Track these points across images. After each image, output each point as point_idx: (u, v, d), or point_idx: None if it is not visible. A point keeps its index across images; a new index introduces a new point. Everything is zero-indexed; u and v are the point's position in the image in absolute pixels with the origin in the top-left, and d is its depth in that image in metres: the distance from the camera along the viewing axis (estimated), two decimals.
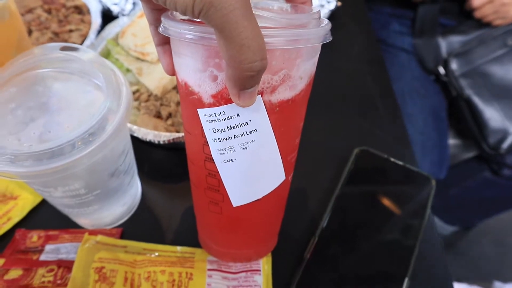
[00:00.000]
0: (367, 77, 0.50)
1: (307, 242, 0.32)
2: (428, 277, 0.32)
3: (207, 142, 0.19)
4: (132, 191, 0.33)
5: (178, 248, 0.31)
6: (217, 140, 0.19)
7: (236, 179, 0.21)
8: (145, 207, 0.35)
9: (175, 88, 0.41)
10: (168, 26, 0.17)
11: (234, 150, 0.19)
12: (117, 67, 0.27)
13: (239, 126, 0.18)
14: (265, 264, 0.30)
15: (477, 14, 0.63)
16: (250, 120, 0.18)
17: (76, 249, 0.30)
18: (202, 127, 0.19)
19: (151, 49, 0.43)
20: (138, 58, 0.43)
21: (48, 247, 0.31)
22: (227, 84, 0.16)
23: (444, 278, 0.32)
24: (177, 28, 0.16)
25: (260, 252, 0.30)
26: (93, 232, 0.31)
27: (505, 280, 0.81)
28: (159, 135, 0.34)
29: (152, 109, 0.39)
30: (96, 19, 0.49)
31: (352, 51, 0.54)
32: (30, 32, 0.47)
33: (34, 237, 0.32)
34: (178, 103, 0.39)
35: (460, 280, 0.80)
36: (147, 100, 0.40)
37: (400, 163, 0.38)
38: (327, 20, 0.18)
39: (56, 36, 0.47)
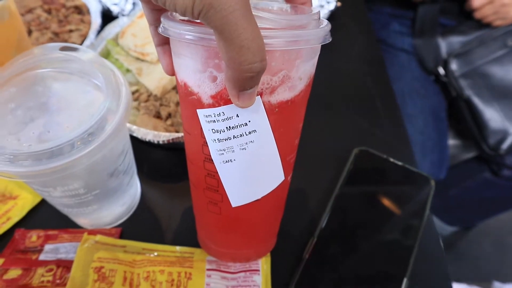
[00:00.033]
0: (367, 78, 0.50)
1: (306, 242, 0.32)
2: (427, 277, 0.32)
3: (206, 143, 0.19)
4: (131, 191, 0.33)
5: (177, 248, 0.31)
6: (216, 141, 0.19)
7: (235, 179, 0.21)
8: (145, 207, 0.35)
9: (174, 88, 0.41)
10: (168, 26, 0.17)
11: (233, 151, 0.19)
12: (117, 67, 0.27)
13: (238, 126, 0.18)
14: (264, 264, 0.30)
15: (477, 14, 0.63)
16: (249, 121, 0.18)
17: (75, 249, 0.30)
18: (201, 128, 0.19)
19: (151, 50, 0.43)
20: (138, 58, 0.43)
21: (47, 246, 0.31)
22: (226, 85, 0.16)
23: (443, 278, 0.32)
24: (176, 29, 0.16)
25: (259, 252, 0.30)
26: (92, 232, 0.31)
27: (505, 280, 0.81)
28: (159, 135, 0.34)
29: (151, 109, 0.39)
30: (96, 19, 0.49)
31: (352, 51, 0.54)
32: (30, 32, 0.47)
33: (33, 236, 0.32)
34: (177, 103, 0.39)
35: (460, 280, 0.80)
36: (146, 100, 0.40)
37: (400, 163, 0.38)
38: (327, 21, 0.18)
39: (56, 36, 0.47)
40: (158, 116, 0.39)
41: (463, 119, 0.65)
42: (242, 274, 0.30)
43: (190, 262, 0.30)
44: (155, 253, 0.31)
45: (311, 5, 0.20)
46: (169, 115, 0.39)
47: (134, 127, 0.35)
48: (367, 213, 0.35)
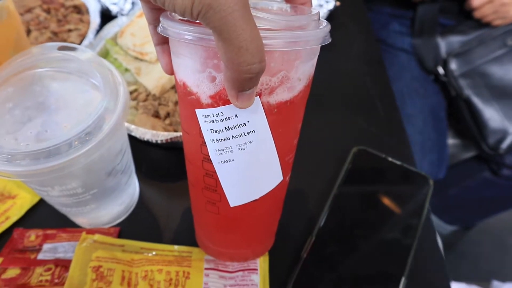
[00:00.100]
0: (366, 78, 0.50)
1: (304, 242, 0.32)
2: (426, 277, 0.32)
3: (205, 143, 0.19)
4: (129, 191, 0.33)
5: (176, 247, 0.31)
6: (215, 141, 0.19)
7: (234, 179, 0.21)
8: (143, 206, 0.35)
9: (173, 87, 0.41)
10: (167, 26, 0.17)
11: (231, 151, 0.19)
12: (116, 67, 0.27)
13: (237, 127, 0.18)
14: (262, 263, 0.30)
15: (477, 14, 0.63)
16: (248, 121, 0.18)
17: (74, 248, 0.30)
18: (200, 128, 0.19)
19: (150, 49, 0.43)
20: (136, 58, 0.43)
21: (45, 246, 0.31)
22: (225, 86, 0.16)
23: (441, 278, 0.32)
24: (176, 29, 0.16)
25: (257, 252, 0.30)
26: (90, 231, 0.31)
27: (504, 279, 0.81)
28: (157, 135, 0.34)
29: (150, 108, 0.39)
30: (95, 19, 0.49)
31: (351, 51, 0.54)
32: (29, 31, 0.47)
33: (32, 236, 0.32)
34: (176, 103, 0.39)
35: (459, 279, 0.80)
36: (145, 100, 0.40)
37: (398, 162, 0.38)
38: (326, 21, 0.18)
39: (55, 36, 0.47)
40: (156, 115, 0.39)
41: (463, 119, 0.65)
42: (240, 273, 0.30)
43: (188, 261, 0.30)
44: (153, 253, 0.31)
45: (311, 5, 0.20)
46: (167, 115, 0.39)
47: (133, 126, 0.35)
48: (365, 213, 0.35)
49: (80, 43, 0.46)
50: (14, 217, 0.33)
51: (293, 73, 0.18)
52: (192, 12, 0.13)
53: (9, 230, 0.33)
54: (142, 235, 0.32)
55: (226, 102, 0.17)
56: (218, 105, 0.18)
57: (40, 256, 0.31)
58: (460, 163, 0.72)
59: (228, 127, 0.18)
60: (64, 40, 0.46)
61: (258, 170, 0.21)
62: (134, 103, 0.40)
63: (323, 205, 0.35)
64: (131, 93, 0.41)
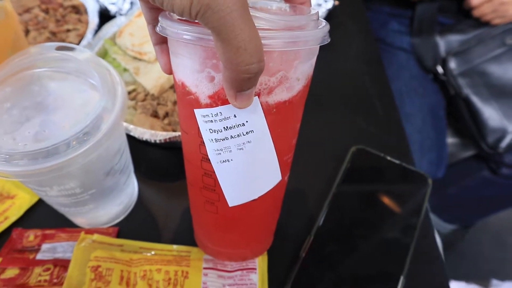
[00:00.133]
0: (365, 77, 0.50)
1: (303, 241, 0.32)
2: (424, 276, 0.32)
3: (204, 142, 0.19)
4: (128, 190, 0.33)
5: (174, 246, 0.31)
6: (214, 141, 0.19)
7: (232, 179, 0.21)
8: (142, 206, 0.35)
9: (172, 87, 0.41)
10: (166, 26, 0.17)
11: (230, 151, 0.19)
12: (114, 67, 0.27)
13: (235, 127, 0.18)
14: (261, 263, 0.30)
15: (476, 13, 0.63)
16: (246, 121, 0.18)
17: (73, 248, 0.30)
18: (198, 127, 0.19)
19: (149, 49, 0.43)
20: (135, 58, 0.43)
21: (44, 246, 0.31)
22: (224, 86, 0.16)
23: (440, 277, 0.32)
24: (174, 29, 0.16)
25: (256, 251, 0.30)
26: (89, 231, 0.31)
27: (504, 278, 0.81)
28: (156, 134, 0.34)
29: (149, 108, 0.39)
30: (93, 19, 0.49)
31: (350, 50, 0.54)
32: (27, 31, 0.47)
33: (30, 236, 0.32)
34: (175, 102, 0.39)
35: (459, 278, 0.80)
36: (144, 100, 0.40)
37: (397, 161, 0.38)
38: (325, 21, 0.18)
39: (54, 36, 0.47)
40: (155, 115, 0.39)
41: (462, 118, 0.65)
42: (239, 272, 0.30)
43: (187, 261, 0.30)
44: (152, 252, 0.31)
45: (310, 5, 0.20)
46: (166, 114, 0.39)
47: (131, 126, 0.35)
48: (364, 212, 0.35)
49: (78, 43, 0.46)
50: (13, 217, 0.33)
51: (292, 73, 0.18)
52: (191, 12, 0.13)
53: (8, 230, 0.33)
54: (141, 235, 0.32)
55: (225, 102, 0.17)
56: (216, 105, 0.18)
57: (39, 256, 0.31)
58: (459, 162, 0.72)
59: (226, 127, 0.18)
60: (63, 40, 0.46)
61: (257, 170, 0.21)
62: (132, 103, 0.40)
63: (322, 205, 0.35)
64: (129, 93, 0.41)
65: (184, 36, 0.16)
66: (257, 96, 0.17)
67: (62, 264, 0.29)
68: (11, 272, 0.29)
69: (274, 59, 0.17)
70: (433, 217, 0.90)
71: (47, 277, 0.29)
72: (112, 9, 0.51)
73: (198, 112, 0.18)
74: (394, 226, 0.34)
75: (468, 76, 0.62)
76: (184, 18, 0.17)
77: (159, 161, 0.39)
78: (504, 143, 0.61)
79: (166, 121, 0.38)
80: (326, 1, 0.53)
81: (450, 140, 0.70)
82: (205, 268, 0.30)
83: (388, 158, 0.38)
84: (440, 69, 0.65)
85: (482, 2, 0.61)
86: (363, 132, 0.43)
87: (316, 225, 0.33)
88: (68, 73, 0.27)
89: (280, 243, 0.32)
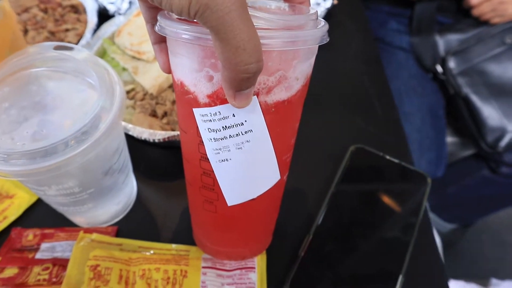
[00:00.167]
0: (364, 76, 0.50)
1: (301, 240, 0.32)
2: (423, 275, 0.32)
3: (203, 142, 0.19)
4: (127, 190, 0.33)
5: (173, 246, 0.32)
6: (212, 140, 0.19)
7: (231, 178, 0.21)
8: (141, 205, 0.35)
9: (170, 86, 0.41)
10: (165, 25, 0.17)
11: (229, 150, 0.19)
12: (113, 66, 0.27)
13: (234, 126, 0.18)
14: (259, 262, 0.31)
15: (475, 12, 0.63)
16: (245, 121, 0.18)
17: (72, 247, 0.30)
18: (197, 127, 0.19)
19: (147, 48, 0.43)
20: (134, 57, 0.43)
21: (43, 245, 0.31)
22: (223, 85, 0.16)
23: (438, 276, 0.32)
24: (173, 28, 0.16)
25: (255, 251, 0.30)
26: (88, 230, 0.31)
27: (504, 277, 0.81)
28: (154, 134, 0.34)
29: (147, 107, 0.39)
30: (92, 18, 0.49)
31: (349, 50, 0.54)
32: (26, 31, 0.47)
33: (29, 235, 0.32)
34: (173, 102, 0.39)
35: (458, 277, 0.80)
36: (142, 99, 0.40)
37: (396, 161, 0.38)
38: (324, 21, 0.18)
39: (52, 35, 0.47)
40: (154, 114, 0.39)
41: (461, 117, 0.65)
42: (238, 271, 0.30)
43: (185, 260, 0.30)
44: (151, 251, 0.31)
45: (309, 4, 0.20)
46: (165, 114, 0.39)
47: (130, 125, 0.35)
48: (363, 211, 0.35)
49: (77, 43, 0.46)
50: (12, 217, 0.33)
51: (291, 73, 0.18)
52: (189, 12, 0.13)
53: (7, 230, 0.33)
54: (140, 234, 0.32)
55: (224, 101, 0.17)
56: (215, 104, 0.18)
57: (38, 255, 0.31)
58: (458, 161, 0.72)
59: (225, 126, 0.18)
60: (62, 40, 0.46)
61: (255, 169, 0.21)
62: (131, 102, 0.40)
63: (321, 204, 0.35)
64: (128, 92, 0.41)
65: (183, 36, 0.16)
66: (256, 96, 0.17)
67: (61, 263, 0.29)
68: (10, 271, 0.29)
69: (273, 59, 0.17)
70: (433, 217, 0.90)
71: (46, 276, 0.29)
72: (111, 8, 0.51)
73: (196, 112, 0.18)
74: (393, 225, 0.34)
75: (468, 75, 0.62)
76: (183, 18, 0.17)
77: (158, 161, 0.39)
78: (503, 142, 0.61)
79: (164, 120, 0.38)
80: (325, 1, 0.53)
81: (450, 139, 0.70)
82: (204, 267, 0.30)
83: (387, 157, 0.38)
84: (439, 69, 0.65)
85: (481, 1, 0.61)
86: (362, 131, 0.43)
87: (315, 224, 0.33)
88: (66, 72, 0.27)
89: (279, 242, 0.32)
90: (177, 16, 0.17)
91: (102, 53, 0.44)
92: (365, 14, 0.60)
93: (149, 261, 0.29)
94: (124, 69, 0.43)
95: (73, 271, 0.28)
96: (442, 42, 0.65)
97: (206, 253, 0.30)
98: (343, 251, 0.32)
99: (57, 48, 0.27)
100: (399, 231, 0.33)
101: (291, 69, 0.18)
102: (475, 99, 0.62)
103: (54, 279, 0.29)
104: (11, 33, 0.28)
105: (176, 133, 0.34)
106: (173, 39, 0.17)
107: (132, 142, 0.35)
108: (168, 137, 0.34)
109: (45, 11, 0.49)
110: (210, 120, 0.18)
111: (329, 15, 0.55)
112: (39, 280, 0.29)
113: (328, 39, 0.18)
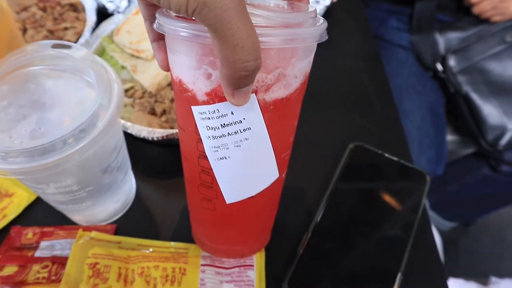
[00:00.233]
0: (363, 74, 0.50)
1: (300, 238, 0.32)
2: (422, 273, 0.32)
3: (201, 140, 0.19)
4: (125, 188, 0.33)
5: (172, 243, 0.32)
6: (211, 138, 0.19)
7: (230, 176, 0.21)
8: (140, 203, 0.35)
9: (169, 85, 0.41)
10: (163, 23, 0.17)
11: (227, 148, 0.19)
12: (112, 65, 0.27)
13: (233, 124, 0.18)
14: (258, 259, 0.31)
15: (476, 10, 0.62)
16: (244, 118, 0.18)
17: (71, 245, 0.30)
18: (196, 125, 0.19)
19: (146, 46, 0.43)
20: (133, 55, 0.43)
21: (43, 243, 0.31)
22: (221, 83, 0.16)
23: (437, 274, 0.32)
24: (171, 26, 0.16)
25: (253, 248, 0.30)
26: (87, 228, 0.31)
27: (504, 276, 0.81)
28: (153, 132, 0.34)
29: (146, 105, 0.39)
30: (91, 17, 0.49)
31: (348, 48, 0.54)
32: (25, 30, 0.47)
33: (29, 234, 0.32)
34: (172, 100, 0.39)
35: (458, 275, 0.80)
36: (141, 97, 0.40)
37: (395, 158, 0.38)
38: (323, 18, 0.18)
39: (51, 34, 0.47)
40: (153, 112, 0.39)
41: (461, 115, 0.65)
42: (237, 269, 0.30)
43: (184, 258, 0.30)
44: (150, 249, 0.31)
45: (308, 2, 0.20)
46: (163, 112, 0.39)
47: (129, 123, 0.35)
48: (362, 209, 0.35)
49: (76, 41, 0.46)
50: (11, 215, 0.33)
51: (290, 71, 0.18)
52: (187, 9, 0.13)
53: (6, 228, 0.33)
54: (139, 232, 0.32)
55: (222, 99, 0.17)
56: (214, 102, 0.18)
57: (37, 253, 0.31)
58: (459, 160, 0.72)
59: (224, 124, 0.18)
60: (61, 38, 0.46)
61: (254, 167, 0.21)
62: (130, 100, 0.40)
63: (320, 201, 0.35)
64: (127, 90, 0.41)
65: (181, 33, 0.16)
66: (254, 94, 0.17)
67: (60, 261, 0.30)
68: (10, 269, 0.29)
69: (271, 57, 0.17)
70: (433, 215, 0.90)
71: (46, 274, 0.29)
72: (110, 7, 0.51)
73: (195, 109, 0.18)
74: (392, 223, 0.34)
75: (468, 73, 0.62)
76: (181, 15, 0.17)
77: (156, 159, 0.39)
78: (504, 141, 0.61)
79: (163, 118, 0.38)
80: None
81: (450, 137, 0.70)
82: (202, 265, 0.30)
83: (386, 155, 0.38)
84: (439, 67, 0.65)
85: None
86: (361, 129, 0.43)
87: (314, 222, 0.33)
88: (64, 71, 0.27)
89: (277, 240, 0.32)
90: (175, 14, 0.17)
91: (101, 52, 0.44)
92: (364, 12, 0.60)
93: (148, 259, 0.30)
94: (123, 67, 0.43)
95: (72, 269, 0.28)
96: (442, 40, 0.65)
97: (205, 251, 0.30)
98: (342, 249, 0.32)
99: (55, 46, 0.27)
100: (398, 229, 0.33)
101: (289, 67, 0.18)
102: (475, 97, 0.62)
103: (53, 277, 0.29)
104: (8, 31, 0.28)
105: (175, 131, 0.34)
106: (171, 36, 0.17)
107: (131, 140, 0.35)
108: (167, 135, 0.34)
109: (44, 9, 0.49)
110: (209, 118, 0.18)
111: (328, 13, 0.55)
112: (38, 278, 0.29)
113: (327, 37, 0.18)
